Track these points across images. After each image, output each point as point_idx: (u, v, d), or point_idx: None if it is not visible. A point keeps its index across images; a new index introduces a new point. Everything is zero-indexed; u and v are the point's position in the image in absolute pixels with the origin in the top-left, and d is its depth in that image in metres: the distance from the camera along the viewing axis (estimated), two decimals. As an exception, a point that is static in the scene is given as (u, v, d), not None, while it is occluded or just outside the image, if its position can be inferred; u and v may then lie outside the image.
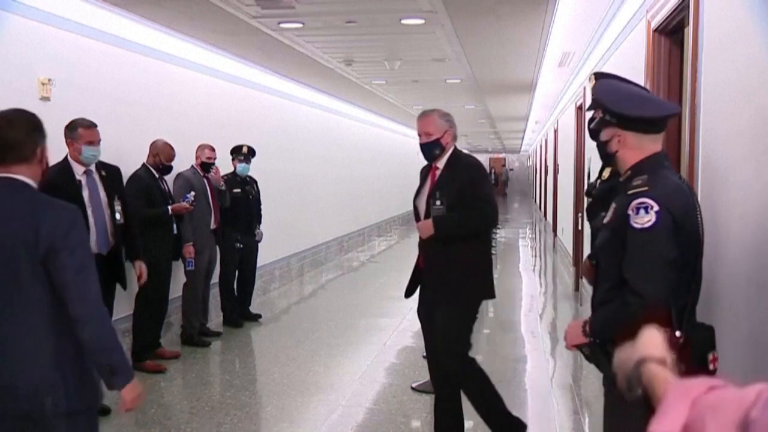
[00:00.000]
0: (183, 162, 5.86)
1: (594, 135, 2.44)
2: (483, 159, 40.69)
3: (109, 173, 4.43)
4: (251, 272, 6.82)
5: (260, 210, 6.87)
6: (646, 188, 2.06)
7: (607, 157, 2.33)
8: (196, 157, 5.97)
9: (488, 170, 38.32)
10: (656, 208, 1.99)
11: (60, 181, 3.90)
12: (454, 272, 3.49)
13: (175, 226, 5.45)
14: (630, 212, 2.02)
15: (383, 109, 14.20)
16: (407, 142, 20.36)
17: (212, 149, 6.00)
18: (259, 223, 6.83)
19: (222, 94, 7.27)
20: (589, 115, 2.75)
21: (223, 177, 6.29)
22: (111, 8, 5.16)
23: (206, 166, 5.95)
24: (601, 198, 2.88)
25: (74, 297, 2.04)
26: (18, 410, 2.05)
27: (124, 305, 5.01)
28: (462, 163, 3.56)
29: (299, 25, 5.97)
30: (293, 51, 7.01)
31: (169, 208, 5.30)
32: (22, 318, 2.05)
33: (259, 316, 6.88)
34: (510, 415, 3.67)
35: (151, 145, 5.34)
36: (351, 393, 4.75)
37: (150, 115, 5.80)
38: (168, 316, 5.65)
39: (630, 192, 2.07)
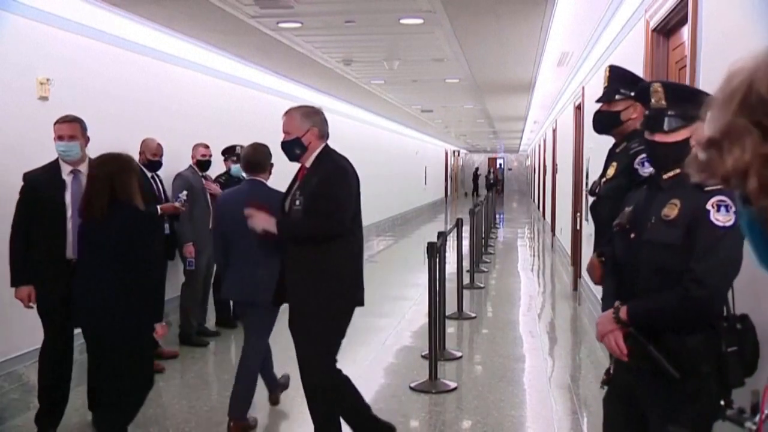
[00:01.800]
0: (183, 162, 5.85)
1: (652, 130, 2.19)
2: (482, 159, 40.71)
3: None
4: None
5: None
6: (721, 186, 2.07)
7: (668, 158, 2.16)
8: (192, 157, 5.97)
9: (488, 170, 38.36)
10: (734, 208, 1.99)
11: (43, 179, 3.74)
12: (314, 278, 3.32)
13: (168, 225, 5.44)
14: (710, 208, 2.03)
15: (382, 109, 14.21)
16: (406, 142, 20.40)
17: (206, 147, 5.96)
18: None
19: (221, 94, 7.27)
20: (594, 108, 2.74)
21: (219, 177, 6.27)
22: (110, 8, 5.16)
23: (202, 164, 5.93)
24: (610, 197, 2.84)
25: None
26: (255, 299, 3.75)
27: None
28: (325, 163, 3.43)
29: (298, 25, 5.97)
30: (292, 51, 7.01)
31: (159, 207, 5.25)
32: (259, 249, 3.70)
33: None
34: (378, 420, 3.57)
35: (140, 144, 5.35)
36: (350, 393, 4.74)
37: (149, 115, 5.80)
38: (166, 315, 5.60)
39: (708, 189, 2.01)
